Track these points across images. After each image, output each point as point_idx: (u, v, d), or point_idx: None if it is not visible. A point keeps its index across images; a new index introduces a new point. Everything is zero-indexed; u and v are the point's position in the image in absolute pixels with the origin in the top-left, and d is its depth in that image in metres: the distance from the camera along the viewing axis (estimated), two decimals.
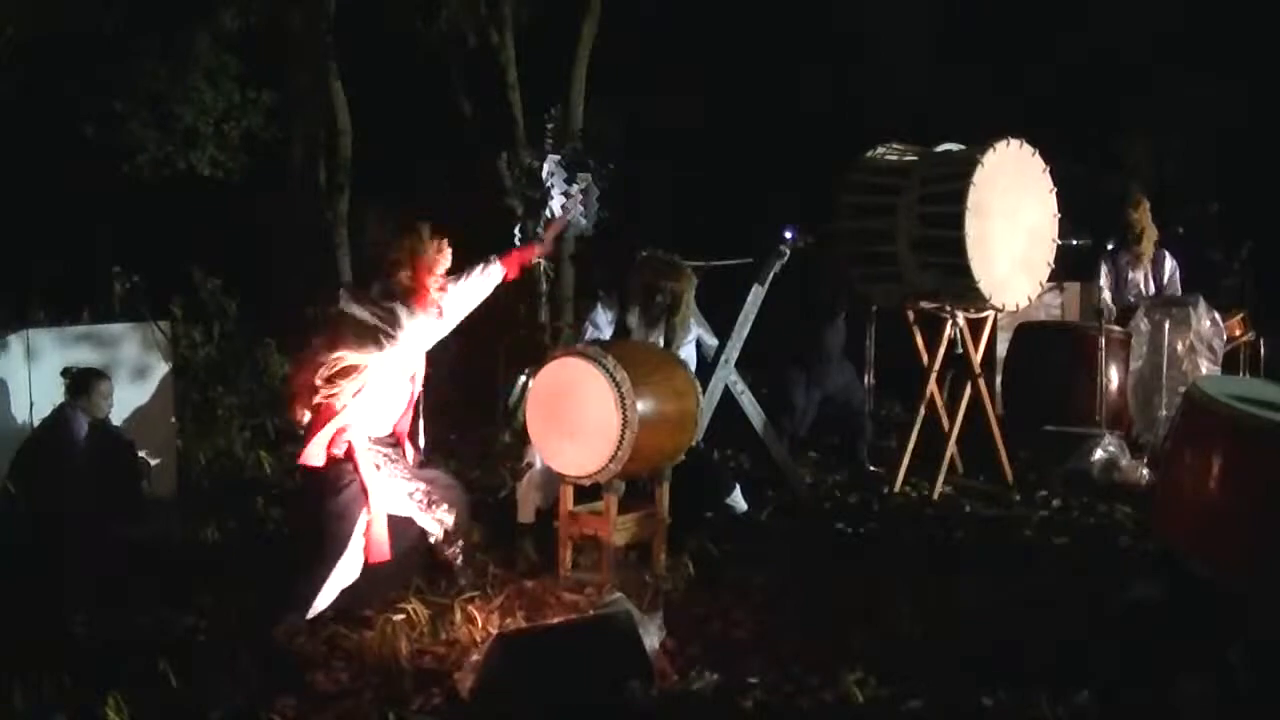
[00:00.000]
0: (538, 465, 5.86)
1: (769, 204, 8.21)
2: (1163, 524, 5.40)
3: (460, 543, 5.25)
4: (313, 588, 4.86)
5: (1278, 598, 4.38)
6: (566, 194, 8.05)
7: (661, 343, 6.16)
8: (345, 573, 4.94)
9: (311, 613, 4.85)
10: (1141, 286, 8.27)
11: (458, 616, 4.89)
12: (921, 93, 11.23)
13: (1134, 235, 8.17)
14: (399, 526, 5.10)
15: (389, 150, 10.86)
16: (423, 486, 5.14)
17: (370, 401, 4.98)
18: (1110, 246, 8.07)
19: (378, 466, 5.02)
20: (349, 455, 4.98)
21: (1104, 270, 8.17)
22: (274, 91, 10.59)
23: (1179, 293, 8.20)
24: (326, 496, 4.95)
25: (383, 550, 4.97)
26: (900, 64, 11.85)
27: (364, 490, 4.95)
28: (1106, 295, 8.15)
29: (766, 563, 5.66)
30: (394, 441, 5.15)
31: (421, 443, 5.38)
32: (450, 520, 5.18)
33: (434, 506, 5.15)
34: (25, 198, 10.14)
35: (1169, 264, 8.29)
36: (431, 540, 5.22)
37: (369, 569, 5.00)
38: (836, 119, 10.87)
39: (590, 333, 6.42)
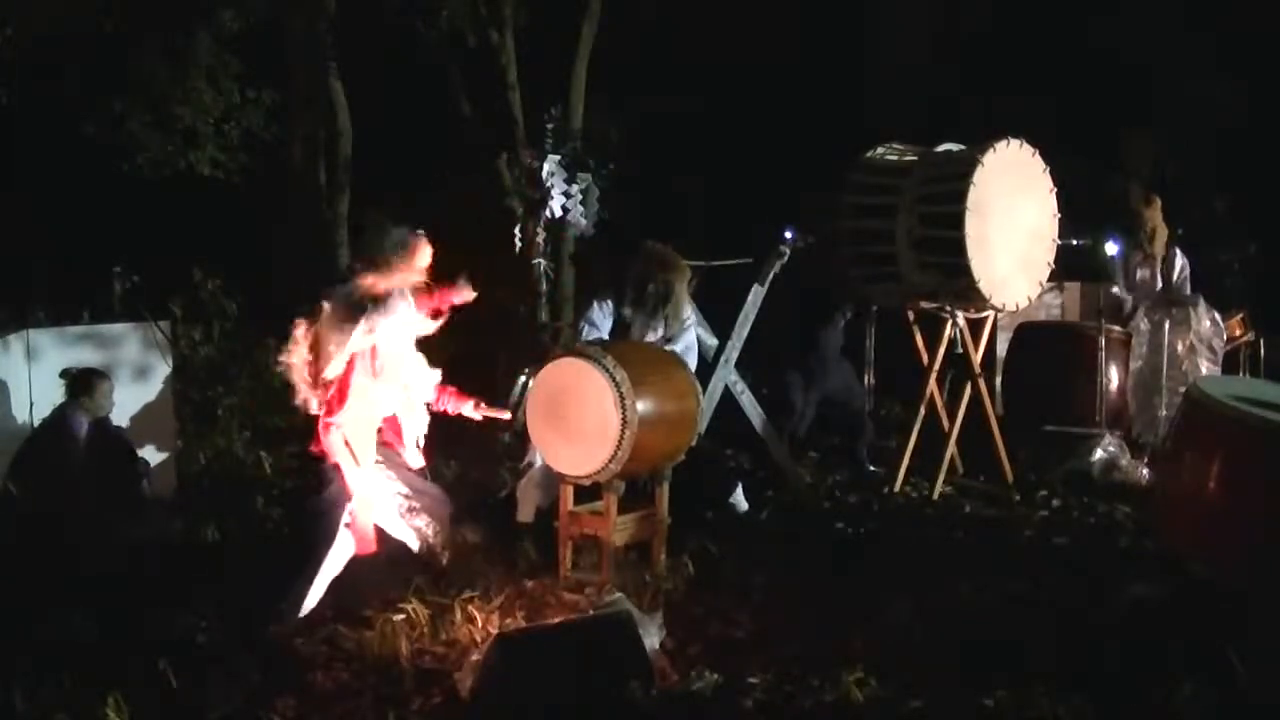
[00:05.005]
0: (538, 465, 5.86)
1: (769, 204, 8.20)
2: (1163, 524, 5.41)
3: (445, 553, 5.26)
4: (303, 585, 4.88)
5: (1278, 598, 4.39)
6: (566, 194, 8.04)
7: (661, 336, 6.18)
8: (334, 567, 4.95)
9: (304, 610, 4.86)
10: (1151, 284, 8.23)
11: (458, 616, 4.89)
12: (922, 93, 11.23)
13: (1146, 234, 8.13)
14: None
15: (389, 150, 10.86)
16: (405, 491, 5.16)
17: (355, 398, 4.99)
18: (1117, 247, 8.00)
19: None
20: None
21: (1118, 268, 8.13)
22: (274, 91, 10.59)
23: (1188, 290, 8.15)
24: (313, 492, 5.00)
25: (368, 543, 4.99)
26: (900, 64, 11.86)
27: (345, 485, 4.97)
28: (1124, 295, 8.09)
29: (766, 563, 5.65)
30: (382, 441, 5.15)
31: (422, 443, 5.36)
32: (429, 532, 5.21)
33: (413, 514, 5.17)
34: (25, 197, 10.13)
35: (1179, 261, 8.23)
36: (413, 549, 5.23)
37: (362, 563, 5.01)
38: (837, 119, 10.85)
39: (588, 331, 6.41)
